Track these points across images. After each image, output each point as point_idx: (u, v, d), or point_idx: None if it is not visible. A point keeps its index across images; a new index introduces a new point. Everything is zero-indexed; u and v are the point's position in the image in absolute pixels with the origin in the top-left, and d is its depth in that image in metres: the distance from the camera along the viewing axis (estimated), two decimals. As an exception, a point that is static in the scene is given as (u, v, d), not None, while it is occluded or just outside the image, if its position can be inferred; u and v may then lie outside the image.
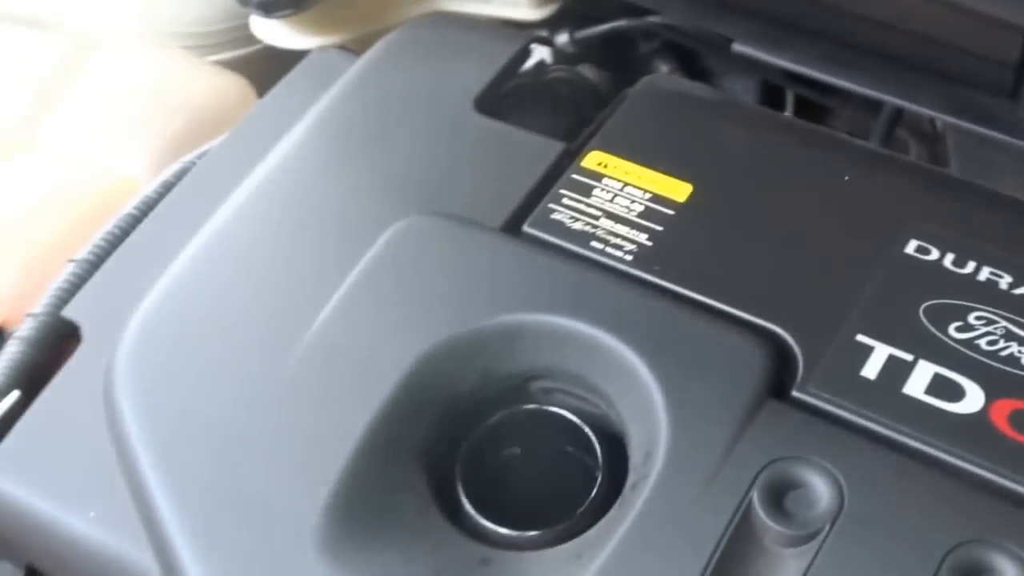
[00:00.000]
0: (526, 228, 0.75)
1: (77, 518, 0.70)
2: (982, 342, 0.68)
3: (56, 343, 0.79)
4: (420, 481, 0.69)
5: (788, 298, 0.71)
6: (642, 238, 0.74)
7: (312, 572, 0.65)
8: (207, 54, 1.18)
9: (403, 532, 0.67)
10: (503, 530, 0.67)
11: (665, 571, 0.63)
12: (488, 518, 0.68)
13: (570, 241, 0.74)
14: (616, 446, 0.70)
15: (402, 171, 0.79)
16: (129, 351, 0.73)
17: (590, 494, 0.68)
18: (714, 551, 0.63)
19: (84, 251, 0.82)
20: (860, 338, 0.69)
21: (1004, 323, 0.69)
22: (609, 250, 0.73)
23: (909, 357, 0.68)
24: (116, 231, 0.83)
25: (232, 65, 1.13)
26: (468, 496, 0.68)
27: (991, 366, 0.67)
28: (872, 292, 0.70)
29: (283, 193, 0.79)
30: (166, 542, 0.67)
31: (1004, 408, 0.66)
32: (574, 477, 0.70)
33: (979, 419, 0.66)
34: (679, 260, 0.72)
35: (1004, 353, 0.68)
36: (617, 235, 0.74)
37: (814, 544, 0.63)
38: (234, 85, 1.08)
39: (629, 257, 0.73)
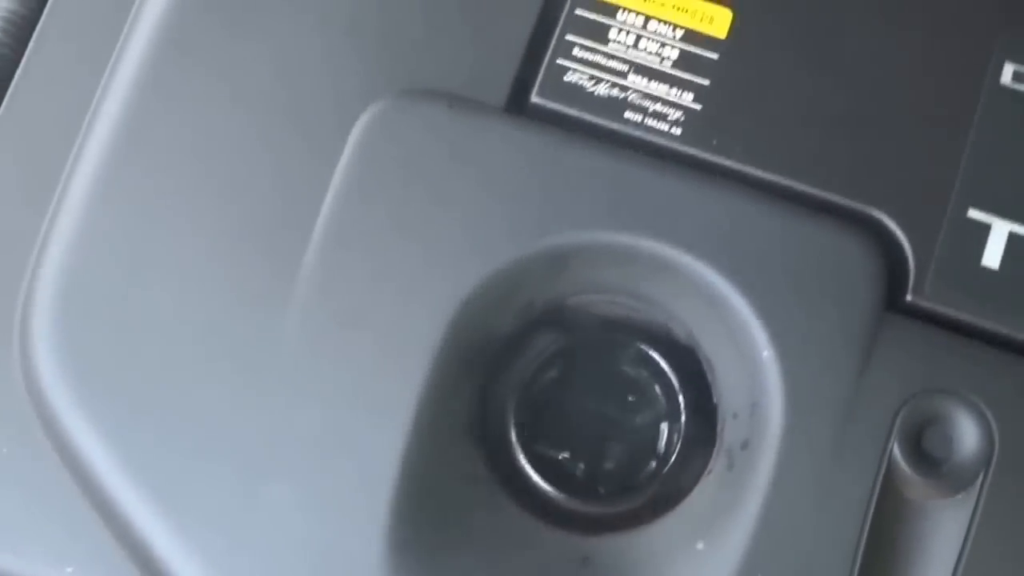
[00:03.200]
0: (535, 99, 0.59)
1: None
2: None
3: None
4: (480, 464, 0.57)
5: (878, 167, 0.58)
6: (687, 99, 0.58)
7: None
8: None
9: (479, 543, 0.55)
10: (586, 504, 0.57)
11: (817, 555, 0.54)
12: (564, 491, 0.57)
13: (597, 114, 0.58)
14: (691, 377, 0.59)
15: (354, 32, 0.60)
16: (54, 355, 0.56)
17: (670, 446, 0.58)
18: (864, 520, 0.54)
19: None
20: (973, 214, 0.58)
21: None
22: (650, 122, 0.58)
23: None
24: None
25: None
26: (533, 466, 0.57)
27: None
28: (974, 147, 0.59)
29: (190, 75, 0.59)
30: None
31: None
32: (646, 423, 0.59)
33: None
34: (738, 127, 0.58)
35: None
36: (655, 98, 0.58)
37: (971, 495, 0.55)
38: None
39: (677, 131, 0.58)
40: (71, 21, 0.62)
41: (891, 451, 0.54)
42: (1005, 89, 0.59)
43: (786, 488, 0.54)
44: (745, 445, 0.56)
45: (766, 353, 0.55)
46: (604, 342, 0.58)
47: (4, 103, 0.61)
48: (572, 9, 0.59)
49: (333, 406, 0.55)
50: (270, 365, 0.55)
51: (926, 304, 0.56)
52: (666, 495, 0.57)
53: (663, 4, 0.59)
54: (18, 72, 0.61)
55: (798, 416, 0.55)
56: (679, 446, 0.57)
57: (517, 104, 0.58)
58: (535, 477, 0.56)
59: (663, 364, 0.57)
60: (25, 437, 0.56)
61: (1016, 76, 0.59)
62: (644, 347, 0.58)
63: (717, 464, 0.56)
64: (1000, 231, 0.57)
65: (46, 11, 0.62)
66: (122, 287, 0.57)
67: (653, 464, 0.57)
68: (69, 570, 0.56)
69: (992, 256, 0.57)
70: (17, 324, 0.57)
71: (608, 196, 0.57)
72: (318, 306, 0.56)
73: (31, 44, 0.61)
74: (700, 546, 0.55)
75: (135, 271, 0.57)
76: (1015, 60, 0.59)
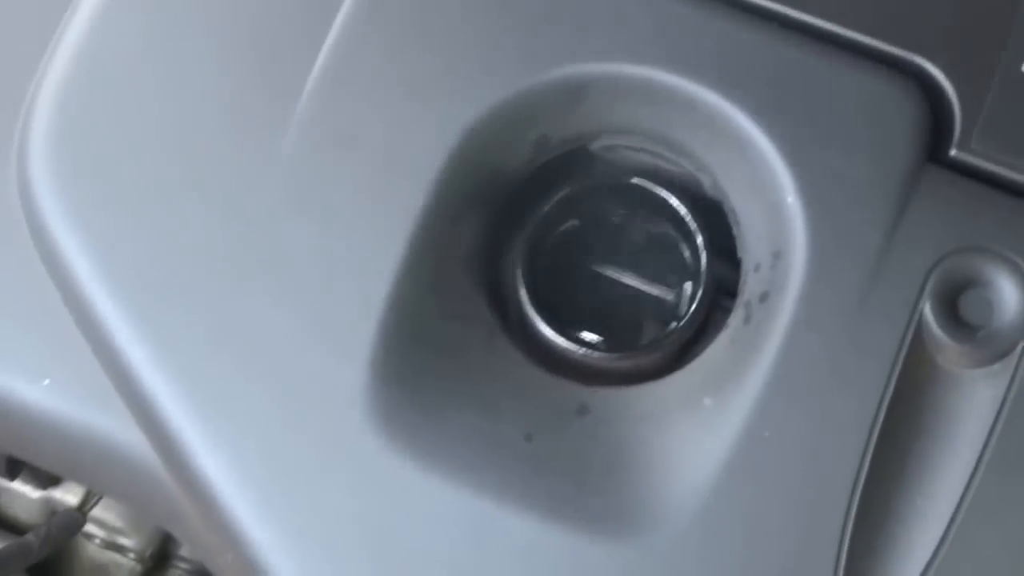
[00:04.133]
0: (563, -71, 0.55)
1: (28, 389, 0.53)
2: None
3: None
4: (479, 302, 0.53)
5: (927, 15, 0.54)
6: (725, -64, 0.55)
7: (363, 450, 0.51)
8: None
9: (469, 382, 0.52)
10: (592, 353, 0.53)
11: (831, 418, 0.50)
12: (567, 337, 0.53)
13: (627, -54, 0.55)
14: (712, 219, 0.55)
15: None
16: (49, 165, 0.53)
17: (688, 299, 0.54)
18: (887, 385, 0.50)
19: None
20: (1029, 68, 0.53)
21: None
22: (684, -42, 0.55)
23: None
24: None
25: None
26: (538, 310, 0.53)
27: None
28: (1033, -2, 0.54)
29: None
30: (156, 417, 0.52)
31: None
32: (664, 276, 0.55)
33: None
34: (779, -34, 0.55)
35: None
36: (691, -68, 0.55)
37: (1008, 365, 0.51)
38: None
39: (713, -32, 0.55)
40: None
41: (922, 311, 0.50)
42: (1073, -61, 0.54)
43: (803, 344, 0.50)
44: (764, 297, 0.51)
45: (791, 199, 0.51)
46: (624, 188, 0.54)
47: None
48: None
49: (324, 228, 0.51)
50: (264, 183, 0.52)
51: (971, 159, 0.52)
52: (677, 350, 0.53)
53: None
54: None
55: (821, 267, 0.50)
56: (699, 302, 0.53)
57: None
58: (540, 324, 0.53)
59: (685, 214, 0.53)
60: (15, 251, 0.54)
61: (1087, -74, 0.55)
62: (668, 196, 0.54)
63: (734, 319, 0.52)
64: (1058, 87, 0.53)
65: None
66: (120, 101, 0.54)
67: (668, 321, 0.53)
68: (46, 382, 0.53)
69: (1047, 113, 0.52)
70: (16, 138, 0.55)
71: (635, 27, 0.53)
72: (318, 124, 0.52)
73: None
74: (707, 402, 0.51)
75: (134, 85, 0.54)
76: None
